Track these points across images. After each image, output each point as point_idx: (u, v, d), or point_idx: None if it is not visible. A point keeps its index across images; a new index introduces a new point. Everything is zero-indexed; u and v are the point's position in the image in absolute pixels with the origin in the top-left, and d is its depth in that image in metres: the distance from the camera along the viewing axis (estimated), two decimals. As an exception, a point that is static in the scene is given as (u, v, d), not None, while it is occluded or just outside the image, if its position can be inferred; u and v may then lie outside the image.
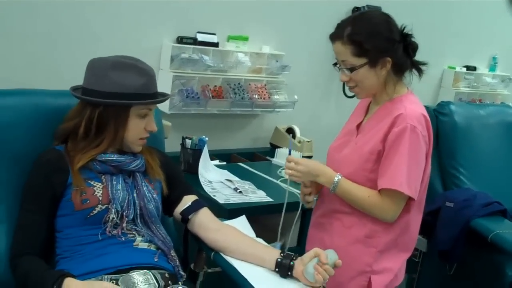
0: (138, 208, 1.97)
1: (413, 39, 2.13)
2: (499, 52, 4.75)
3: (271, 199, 2.75)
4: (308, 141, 3.47)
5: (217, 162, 3.15)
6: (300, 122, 3.62)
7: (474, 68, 4.62)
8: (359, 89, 2.16)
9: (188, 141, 2.95)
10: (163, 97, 2.03)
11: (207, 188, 2.74)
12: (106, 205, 1.90)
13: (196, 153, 2.92)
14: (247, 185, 2.86)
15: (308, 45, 3.71)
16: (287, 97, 3.47)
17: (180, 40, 3.09)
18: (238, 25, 3.35)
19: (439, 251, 3.04)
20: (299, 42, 3.64)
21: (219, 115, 3.31)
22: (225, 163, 3.22)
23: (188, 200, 2.12)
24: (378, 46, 2.07)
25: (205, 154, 2.90)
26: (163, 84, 3.04)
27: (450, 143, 3.34)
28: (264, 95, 3.36)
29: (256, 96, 3.32)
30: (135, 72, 1.91)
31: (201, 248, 2.17)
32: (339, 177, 2.15)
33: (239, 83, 3.29)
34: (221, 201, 2.63)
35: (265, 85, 3.40)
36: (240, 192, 2.76)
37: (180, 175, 2.21)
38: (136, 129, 1.95)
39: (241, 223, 2.25)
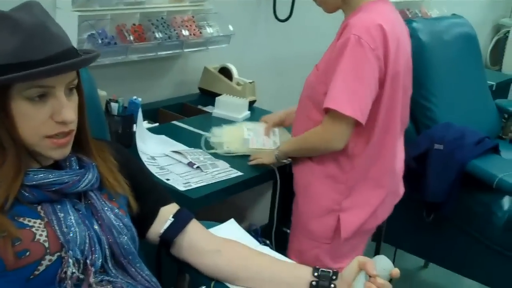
0: (106, 247, 1.27)
1: None
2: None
3: (239, 172, 2.10)
4: (250, 83, 2.79)
5: (145, 123, 2.41)
6: (232, 58, 2.91)
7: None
8: (320, 2, 2.00)
9: (114, 105, 2.18)
10: (74, 57, 1.21)
11: (154, 170, 2.03)
12: (58, 254, 1.19)
13: (127, 120, 2.18)
14: (201, 156, 2.18)
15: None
16: (219, 29, 2.74)
17: (81, -35, 2.25)
18: None
19: (429, 203, 2.58)
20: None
21: (138, 61, 2.54)
22: (157, 124, 2.49)
23: (167, 213, 1.44)
24: None
25: (140, 122, 2.16)
26: (65, 29, 2.21)
27: (418, 69, 2.78)
28: (194, 29, 2.61)
29: (186, 33, 2.56)
30: (5, 28, 1.14)
31: (183, 270, 1.52)
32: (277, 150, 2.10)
33: (162, 18, 2.52)
34: (181, 188, 1.93)
35: (193, 16, 2.65)
36: (198, 167, 2.08)
37: (149, 176, 1.51)
38: (33, 122, 1.19)
39: (234, 231, 1.61)
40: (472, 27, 3.28)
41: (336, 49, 1.83)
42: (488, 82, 4.01)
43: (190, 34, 2.58)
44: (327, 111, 1.87)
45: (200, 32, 2.64)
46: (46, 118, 1.19)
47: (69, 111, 1.21)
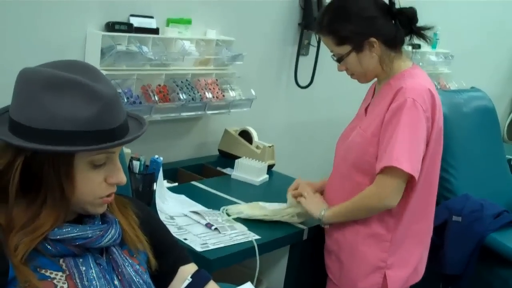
0: None
1: (403, 7, 2.00)
2: (440, 27, 4.31)
3: (257, 236, 2.09)
4: (270, 146, 2.82)
5: (165, 183, 2.43)
6: (252, 122, 2.95)
7: (419, 46, 4.14)
8: (358, 76, 2.08)
9: (136, 163, 2.20)
10: (133, 133, 1.27)
11: (172, 229, 2.02)
12: None
13: (147, 178, 2.20)
14: (219, 217, 2.18)
15: (261, 27, 3.04)
16: (241, 93, 2.79)
17: (111, 26, 2.31)
18: (178, 5, 2.61)
19: (446, 275, 2.55)
20: (250, 23, 2.96)
21: (160, 121, 2.58)
22: (176, 184, 2.51)
23: (185, 273, 1.44)
24: (355, 30, 1.97)
25: (160, 181, 2.18)
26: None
27: (438, 140, 2.84)
28: (217, 92, 2.66)
29: (209, 95, 2.61)
30: (82, 95, 1.16)
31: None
32: (324, 211, 2.09)
33: (186, 80, 2.57)
34: (198, 249, 1.93)
35: (217, 80, 2.70)
36: (216, 229, 2.08)
37: (169, 234, 1.51)
38: (91, 185, 1.23)
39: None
40: (490, 100, 3.32)
41: (391, 111, 1.93)
42: (506, 156, 4.02)
43: (213, 97, 2.63)
44: (383, 169, 1.93)
45: (223, 95, 2.69)
46: (102, 181, 1.24)
47: (123, 174, 1.27)
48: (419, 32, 2.03)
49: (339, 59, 2.04)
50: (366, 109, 2.12)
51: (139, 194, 2.18)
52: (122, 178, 1.27)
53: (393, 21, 2.00)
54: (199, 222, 2.12)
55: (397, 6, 2.02)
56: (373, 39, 1.97)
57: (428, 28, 2.02)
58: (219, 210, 2.24)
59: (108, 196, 1.27)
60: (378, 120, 1.98)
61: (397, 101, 1.93)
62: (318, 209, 2.11)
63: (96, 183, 1.24)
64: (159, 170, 2.16)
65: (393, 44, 2.01)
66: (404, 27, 2.00)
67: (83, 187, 1.22)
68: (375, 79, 2.13)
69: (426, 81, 2.02)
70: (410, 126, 1.91)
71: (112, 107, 1.20)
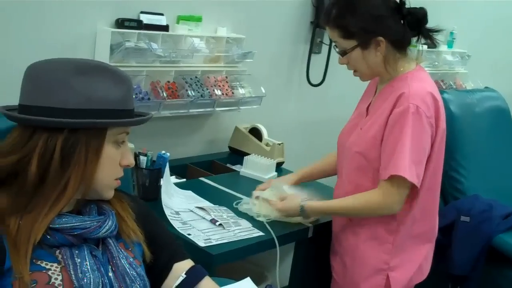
0: None
1: (413, 8, 1.97)
2: (456, 27, 4.29)
3: (261, 233, 2.10)
4: (279, 144, 2.82)
5: (173, 178, 2.45)
6: (262, 119, 2.96)
7: (434, 45, 4.11)
8: (359, 73, 2.07)
9: (143, 159, 2.22)
10: (141, 114, 1.39)
11: (177, 224, 2.05)
12: None
13: (154, 173, 2.22)
14: (225, 213, 2.19)
15: (272, 25, 3.04)
16: (251, 90, 2.80)
17: (121, 23, 2.33)
18: (188, 2, 2.63)
19: (455, 276, 2.53)
20: (261, 21, 2.96)
21: (170, 118, 2.60)
22: (184, 180, 2.52)
23: (180, 270, 1.45)
24: (364, 27, 1.95)
25: (167, 176, 2.19)
26: (102, 82, 2.29)
27: (448, 140, 2.79)
28: (226, 89, 2.67)
29: (218, 92, 2.62)
30: (110, 79, 1.26)
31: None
32: (304, 203, 2.09)
33: (196, 77, 2.59)
34: (201, 244, 1.94)
35: (226, 77, 2.71)
36: (221, 225, 2.09)
37: (165, 231, 1.53)
38: (112, 164, 1.31)
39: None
40: (504, 100, 3.29)
41: (394, 117, 1.92)
42: (521, 156, 3.97)
43: (223, 94, 2.64)
44: (388, 177, 1.92)
45: (233, 92, 2.70)
46: (118, 162, 1.33)
47: (132, 157, 1.36)
48: (427, 34, 2.01)
49: (343, 53, 2.02)
50: (367, 108, 2.11)
51: (145, 189, 2.20)
52: (132, 160, 1.37)
53: (402, 22, 1.98)
54: (204, 218, 2.13)
55: (408, 6, 1.99)
56: (380, 38, 1.96)
57: (437, 31, 2.01)
58: (225, 206, 2.25)
59: (119, 178, 1.35)
60: (380, 123, 1.98)
61: (400, 106, 1.92)
62: (296, 205, 2.10)
63: (115, 163, 1.32)
64: (165, 166, 2.18)
65: (400, 45, 1.99)
66: (413, 29, 1.98)
67: (107, 167, 1.29)
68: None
69: (430, 84, 2.01)
70: (414, 134, 1.90)
71: (132, 90, 1.32)
